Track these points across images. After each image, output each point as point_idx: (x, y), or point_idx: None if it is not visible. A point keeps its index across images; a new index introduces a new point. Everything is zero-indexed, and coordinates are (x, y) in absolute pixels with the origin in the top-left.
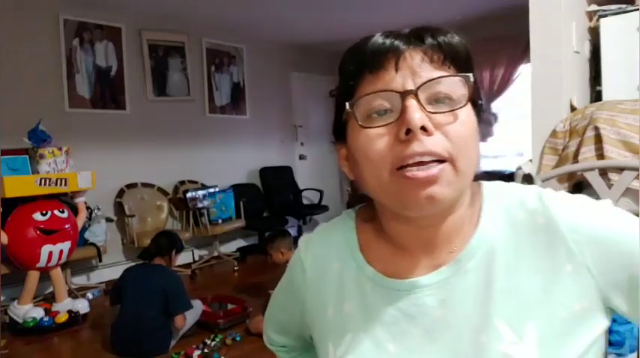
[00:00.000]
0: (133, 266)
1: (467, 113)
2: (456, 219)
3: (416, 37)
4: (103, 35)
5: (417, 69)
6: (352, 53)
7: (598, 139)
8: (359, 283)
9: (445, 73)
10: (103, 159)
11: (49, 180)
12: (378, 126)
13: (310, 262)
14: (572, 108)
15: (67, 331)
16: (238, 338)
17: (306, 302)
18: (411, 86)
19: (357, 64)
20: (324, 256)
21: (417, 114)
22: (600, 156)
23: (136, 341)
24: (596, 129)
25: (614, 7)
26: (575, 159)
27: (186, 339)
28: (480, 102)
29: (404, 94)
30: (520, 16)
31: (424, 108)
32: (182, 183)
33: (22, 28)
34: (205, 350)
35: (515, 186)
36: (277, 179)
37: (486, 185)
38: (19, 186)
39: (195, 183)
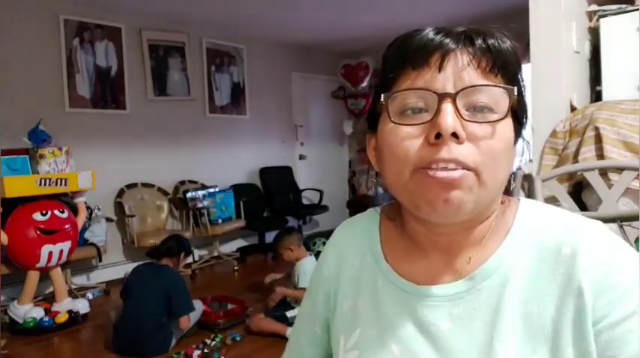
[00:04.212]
0: (141, 264)
1: (505, 128)
2: (478, 233)
3: (467, 37)
4: (103, 35)
5: (462, 72)
6: (398, 44)
7: (598, 139)
8: (373, 277)
9: (490, 82)
10: (103, 159)
11: (49, 180)
12: (409, 125)
13: (334, 252)
14: (572, 108)
15: (67, 331)
16: (238, 338)
17: (331, 290)
18: (450, 89)
19: (401, 57)
20: (347, 248)
21: (449, 120)
22: (600, 156)
23: (137, 341)
24: (596, 129)
25: (614, 7)
26: (575, 159)
27: (186, 339)
28: (524, 119)
29: (441, 96)
30: (520, 16)
31: (460, 114)
32: (182, 183)
33: (22, 28)
34: (205, 350)
35: (555, 210)
36: (277, 179)
37: (524, 203)
38: (19, 186)
39: (195, 183)
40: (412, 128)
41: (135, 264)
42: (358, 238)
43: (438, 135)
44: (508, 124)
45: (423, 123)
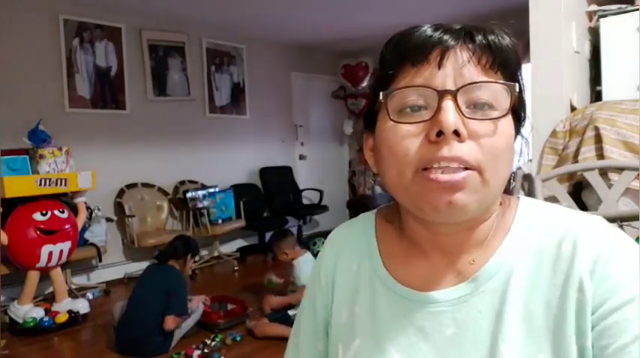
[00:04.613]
0: (150, 264)
1: (506, 124)
2: (480, 232)
3: (466, 34)
4: (103, 35)
5: (462, 69)
6: (397, 41)
7: (598, 139)
8: (371, 284)
9: (490, 79)
10: (103, 159)
11: (49, 180)
12: (409, 123)
13: (330, 259)
14: (572, 108)
15: (67, 331)
16: (238, 339)
17: (329, 299)
18: (451, 86)
19: (399, 54)
20: (342, 254)
21: (451, 117)
22: (600, 156)
23: (138, 342)
24: (596, 129)
25: (614, 7)
26: (575, 159)
27: (186, 339)
28: (523, 116)
29: (442, 94)
30: (520, 16)
31: (461, 111)
32: (182, 183)
33: (22, 28)
34: (205, 350)
35: (555, 208)
36: (277, 179)
37: (524, 202)
38: (19, 186)
39: (195, 183)
40: (412, 126)
41: (135, 264)
42: (354, 243)
43: (439, 133)
44: (509, 122)
45: (423, 121)
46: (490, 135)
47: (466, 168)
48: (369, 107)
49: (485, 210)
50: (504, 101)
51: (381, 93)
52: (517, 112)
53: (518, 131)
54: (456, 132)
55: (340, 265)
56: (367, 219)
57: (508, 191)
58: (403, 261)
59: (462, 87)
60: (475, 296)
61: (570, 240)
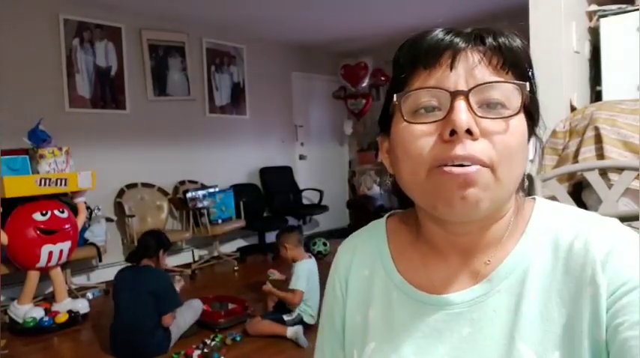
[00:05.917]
0: (123, 268)
1: (518, 123)
2: (495, 231)
3: (477, 37)
4: (103, 35)
5: (473, 70)
6: (409, 46)
7: (598, 139)
8: (386, 290)
9: (501, 79)
10: (103, 159)
11: (49, 180)
12: (423, 123)
13: (342, 268)
14: (572, 108)
15: (67, 331)
16: (238, 338)
17: (342, 307)
18: (463, 87)
19: (412, 58)
20: (355, 261)
21: (464, 116)
22: (600, 156)
23: (135, 344)
24: (596, 129)
25: (614, 7)
26: (575, 159)
27: (186, 339)
28: (537, 116)
29: (454, 94)
30: (520, 16)
31: (473, 111)
32: (182, 183)
33: (22, 28)
34: (205, 350)
35: (570, 209)
36: (277, 179)
37: (540, 202)
38: (19, 186)
39: (195, 183)
40: (426, 126)
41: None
42: (365, 250)
43: (452, 132)
44: (521, 120)
45: (436, 121)
46: (502, 133)
47: (479, 165)
48: (383, 110)
49: (498, 208)
50: (515, 100)
51: (395, 95)
52: (530, 112)
53: (532, 131)
54: (469, 131)
55: (353, 271)
56: (378, 225)
57: (522, 190)
58: (419, 265)
59: (474, 87)
60: (491, 296)
61: (582, 237)
